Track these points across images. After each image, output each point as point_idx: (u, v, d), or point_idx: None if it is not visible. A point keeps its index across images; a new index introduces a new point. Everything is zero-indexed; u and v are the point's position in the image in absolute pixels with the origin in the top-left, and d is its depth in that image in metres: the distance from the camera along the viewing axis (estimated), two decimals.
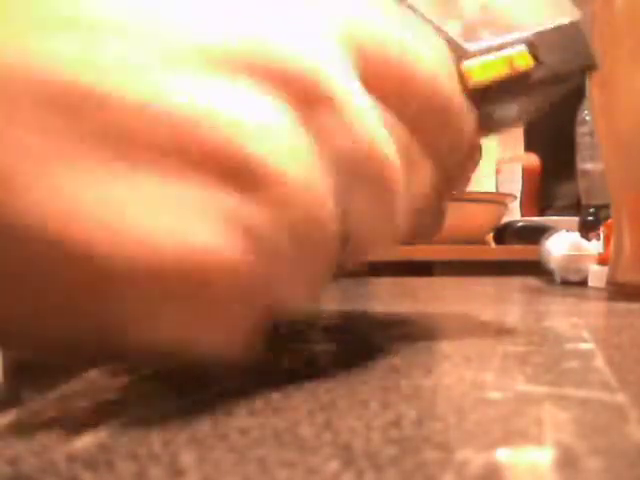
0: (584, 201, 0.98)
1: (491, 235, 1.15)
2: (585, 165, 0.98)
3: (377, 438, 0.10)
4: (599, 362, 0.17)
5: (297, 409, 0.12)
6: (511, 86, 0.22)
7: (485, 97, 0.21)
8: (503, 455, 0.09)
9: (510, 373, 0.15)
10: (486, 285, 0.54)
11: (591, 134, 0.92)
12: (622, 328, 0.26)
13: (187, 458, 0.09)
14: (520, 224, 1.11)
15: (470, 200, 1.04)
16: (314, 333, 0.22)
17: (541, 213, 1.38)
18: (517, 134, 1.68)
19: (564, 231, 0.55)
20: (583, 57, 0.22)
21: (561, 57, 0.22)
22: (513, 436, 0.10)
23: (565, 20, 0.22)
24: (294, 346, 0.19)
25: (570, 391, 0.13)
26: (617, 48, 0.38)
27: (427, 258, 0.95)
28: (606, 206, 0.56)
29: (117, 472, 0.09)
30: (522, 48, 0.21)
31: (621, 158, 0.39)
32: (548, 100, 0.26)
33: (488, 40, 0.22)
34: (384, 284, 0.28)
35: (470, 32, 0.22)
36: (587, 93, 0.43)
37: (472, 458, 0.09)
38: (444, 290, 0.50)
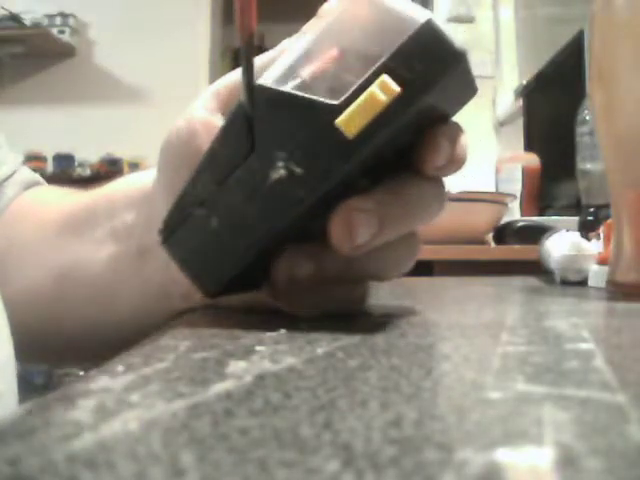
0: (584, 201, 0.98)
1: (491, 235, 1.15)
2: (585, 165, 0.98)
3: (377, 438, 0.10)
4: (599, 362, 0.17)
5: (297, 409, 0.12)
6: (396, 112, 0.20)
7: (376, 134, 0.20)
8: (503, 455, 0.09)
9: (510, 373, 0.15)
10: (486, 285, 0.54)
11: (591, 134, 0.92)
12: (622, 328, 0.26)
13: (187, 458, 0.09)
14: (520, 224, 1.11)
15: (470, 200, 1.04)
16: (314, 333, 0.22)
17: (541, 213, 1.38)
18: (517, 134, 1.68)
19: (564, 231, 0.55)
20: (444, 50, 0.21)
21: (423, 63, 0.20)
22: (513, 436, 0.10)
23: (411, 27, 0.21)
24: (295, 344, 0.19)
25: (570, 391, 0.13)
26: (617, 48, 0.38)
27: (427, 258, 0.95)
28: (606, 206, 0.56)
29: (117, 472, 0.09)
30: (381, 78, 0.20)
31: (621, 158, 0.39)
32: (455, 100, 0.24)
33: (351, 86, 0.21)
34: (384, 284, 0.28)
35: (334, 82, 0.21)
36: (587, 93, 0.43)
37: (472, 458, 0.09)
38: (444, 290, 0.50)
